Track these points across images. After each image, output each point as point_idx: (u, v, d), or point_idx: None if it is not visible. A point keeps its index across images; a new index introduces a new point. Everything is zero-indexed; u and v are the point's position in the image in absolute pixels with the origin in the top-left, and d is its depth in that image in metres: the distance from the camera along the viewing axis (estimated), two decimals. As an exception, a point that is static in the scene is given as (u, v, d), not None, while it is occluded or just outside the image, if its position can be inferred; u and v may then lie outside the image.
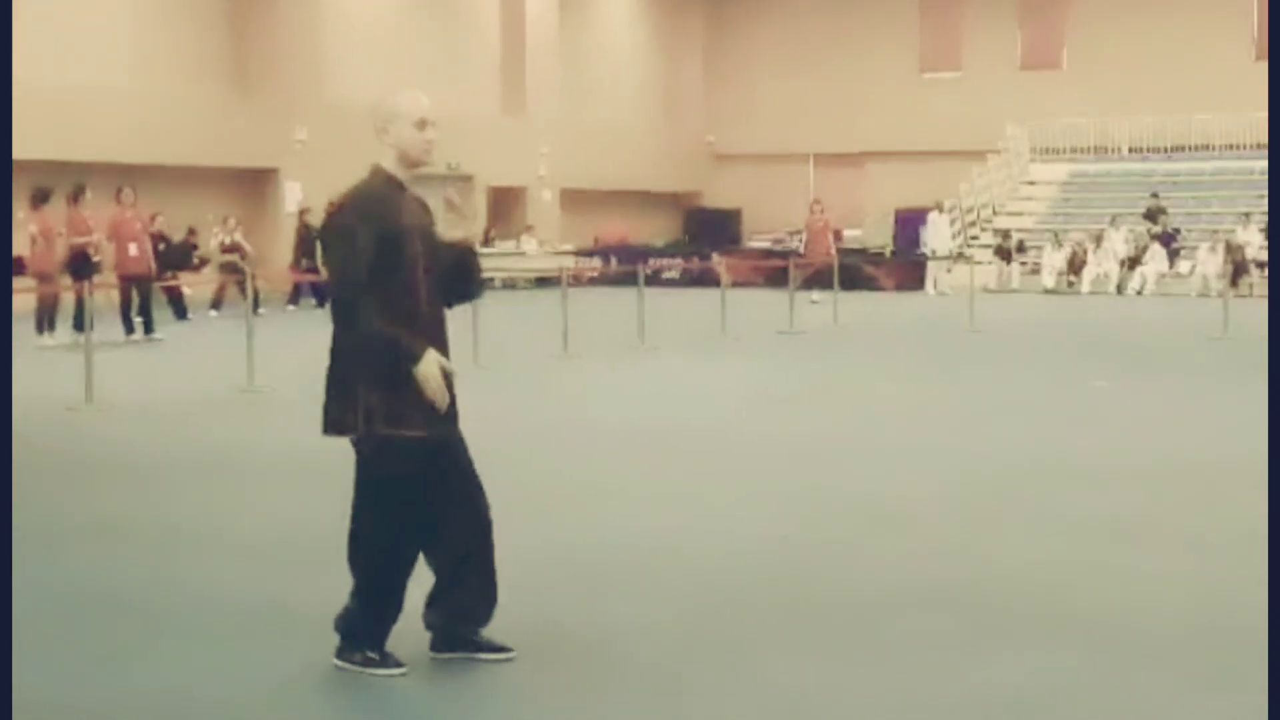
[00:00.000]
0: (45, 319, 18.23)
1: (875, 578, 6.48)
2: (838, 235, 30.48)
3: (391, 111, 5.10)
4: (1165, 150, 34.43)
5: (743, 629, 5.68)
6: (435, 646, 5.18)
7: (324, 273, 5.04)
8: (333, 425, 5.02)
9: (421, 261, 4.99)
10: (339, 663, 5.10)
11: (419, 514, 5.04)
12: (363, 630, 5.09)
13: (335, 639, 5.13)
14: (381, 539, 5.03)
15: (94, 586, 6.43)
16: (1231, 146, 33.56)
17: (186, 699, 4.91)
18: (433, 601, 5.18)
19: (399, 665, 5.07)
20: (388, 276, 4.89)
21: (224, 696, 4.94)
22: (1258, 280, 28.03)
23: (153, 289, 19.70)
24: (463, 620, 5.18)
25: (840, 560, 6.84)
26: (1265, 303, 24.70)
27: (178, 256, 23.22)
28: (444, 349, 5.04)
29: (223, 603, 6.08)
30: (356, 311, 4.88)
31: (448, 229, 5.10)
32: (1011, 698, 4.89)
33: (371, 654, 5.08)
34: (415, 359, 4.86)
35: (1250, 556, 6.79)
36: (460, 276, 5.16)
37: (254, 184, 28.46)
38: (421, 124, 5.07)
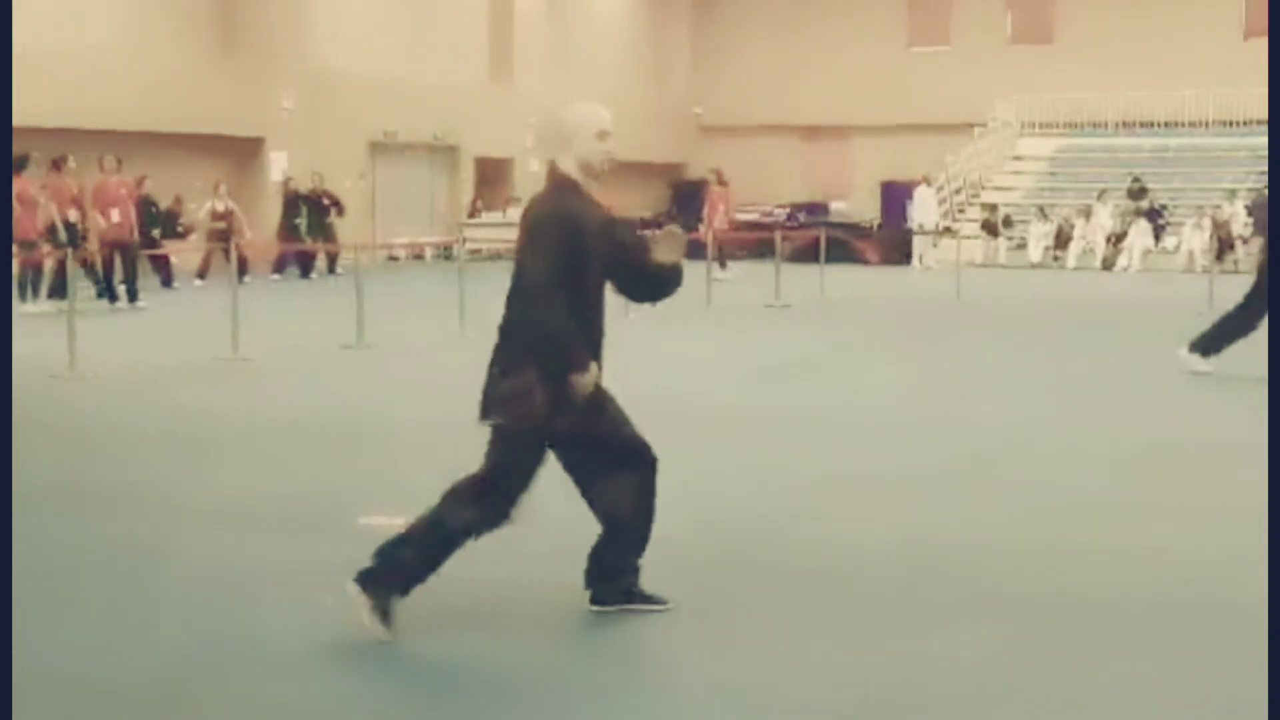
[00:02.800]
0: (27, 285, 18.17)
1: (847, 550, 6.49)
2: (822, 208, 30.50)
3: (576, 124, 5.26)
4: (1153, 126, 34.43)
5: (716, 598, 5.69)
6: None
7: (529, 265, 5.15)
8: (494, 410, 5.16)
9: (600, 265, 5.20)
10: (355, 589, 5.12)
11: (513, 505, 5.22)
12: (401, 575, 5.15)
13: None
14: (477, 509, 5.18)
15: (66, 550, 6.43)
16: (1219, 123, 33.57)
17: (149, 661, 4.91)
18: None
19: (391, 628, 5.10)
20: (573, 279, 5.09)
21: (185, 660, 4.93)
22: (1243, 256, 28.09)
23: (137, 256, 19.64)
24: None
25: (813, 532, 6.85)
26: (1249, 278, 24.74)
27: (163, 223, 23.06)
28: (600, 346, 5.26)
29: (194, 567, 6.10)
30: (546, 306, 5.07)
31: (663, 253, 5.34)
32: (982, 671, 4.90)
33: (386, 605, 5.12)
34: (582, 369, 5.08)
35: (1229, 533, 6.83)
36: (651, 284, 5.43)
37: (240, 152, 28.32)
38: (602, 135, 5.26)
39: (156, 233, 21.90)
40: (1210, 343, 12.54)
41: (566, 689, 4.75)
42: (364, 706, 4.62)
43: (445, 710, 4.60)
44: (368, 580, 5.14)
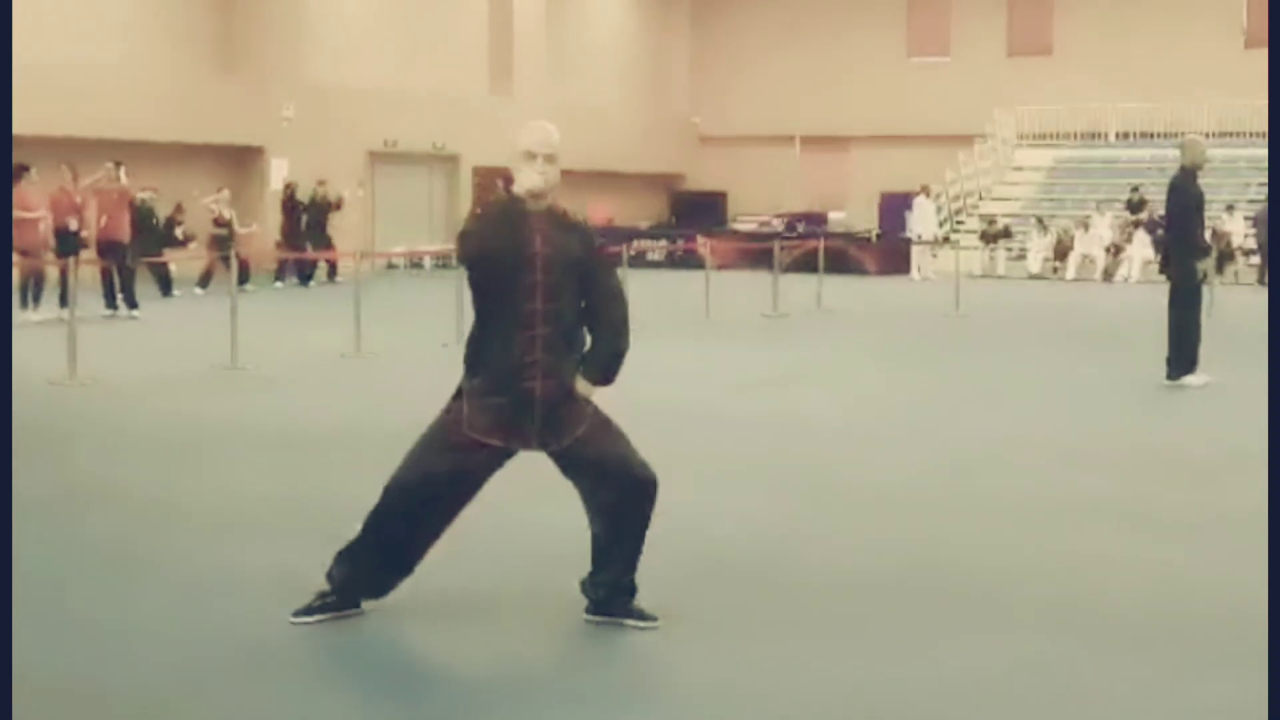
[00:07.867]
0: (28, 294, 18.20)
1: (844, 559, 6.50)
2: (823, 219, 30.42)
3: (514, 141, 5.16)
4: (1153, 137, 34.45)
5: (712, 607, 5.69)
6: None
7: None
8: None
9: (520, 279, 5.13)
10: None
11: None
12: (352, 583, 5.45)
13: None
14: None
15: (63, 555, 6.45)
16: (1218, 134, 33.58)
17: (143, 666, 4.93)
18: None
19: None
20: (483, 291, 5.26)
21: (177, 666, 4.95)
22: (1243, 268, 28.15)
23: (135, 264, 19.66)
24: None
25: (809, 541, 6.85)
26: (1250, 290, 24.81)
27: (162, 234, 23.00)
28: (523, 369, 5.24)
29: (189, 573, 6.12)
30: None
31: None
32: (984, 681, 4.91)
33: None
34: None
35: (1231, 541, 6.84)
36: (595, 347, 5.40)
37: (241, 161, 28.38)
38: (528, 156, 5.09)
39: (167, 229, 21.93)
40: (1181, 361, 12.47)
41: (562, 698, 4.76)
42: (356, 715, 4.63)
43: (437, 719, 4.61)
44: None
